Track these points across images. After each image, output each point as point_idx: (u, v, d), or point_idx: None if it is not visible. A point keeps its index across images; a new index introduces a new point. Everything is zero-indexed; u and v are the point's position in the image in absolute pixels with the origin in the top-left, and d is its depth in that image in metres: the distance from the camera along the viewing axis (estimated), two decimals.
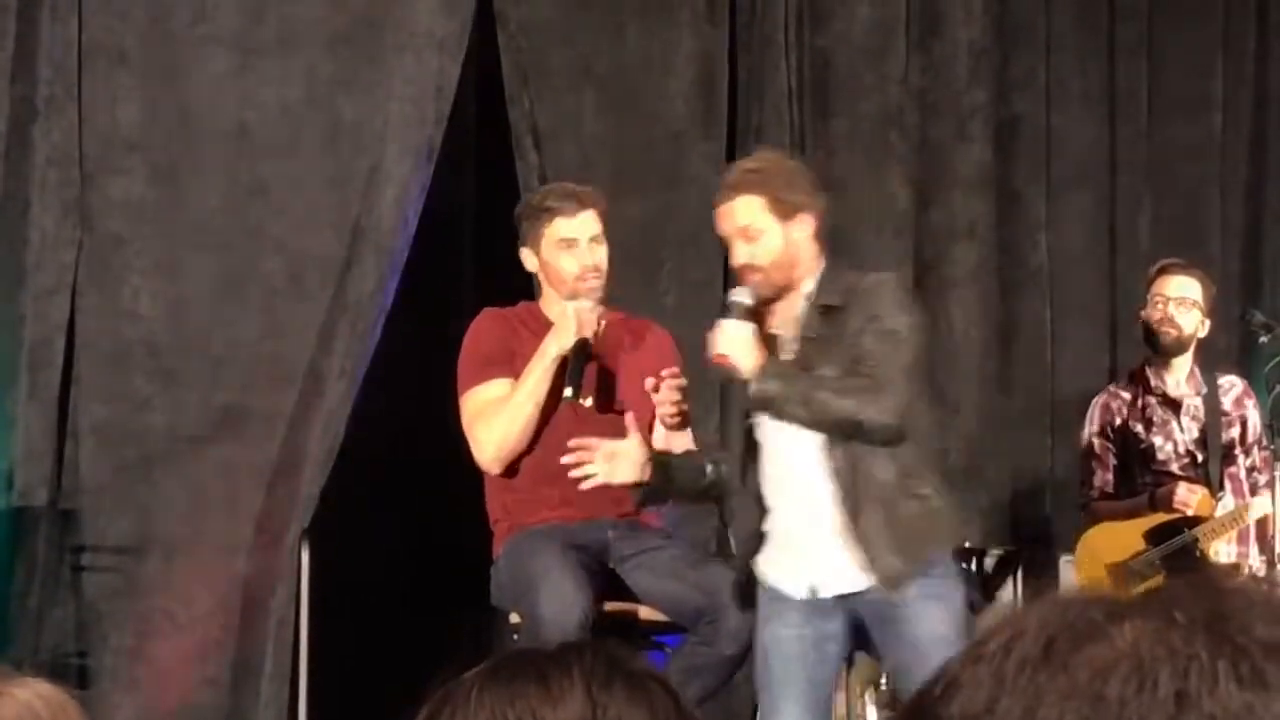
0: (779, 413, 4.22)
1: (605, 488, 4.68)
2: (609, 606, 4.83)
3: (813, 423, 4.14)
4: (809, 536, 4.30)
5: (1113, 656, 0.70)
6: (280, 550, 5.98)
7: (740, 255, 4.23)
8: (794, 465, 4.29)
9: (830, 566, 4.26)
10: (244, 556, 6.02)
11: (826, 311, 4.25)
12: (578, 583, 4.67)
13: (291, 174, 6.18)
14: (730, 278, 6.56)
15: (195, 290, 6.11)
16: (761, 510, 4.41)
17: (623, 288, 5.22)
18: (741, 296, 4.31)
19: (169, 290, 6.09)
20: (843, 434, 4.17)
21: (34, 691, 1.91)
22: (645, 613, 4.82)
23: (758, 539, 4.44)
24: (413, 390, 6.30)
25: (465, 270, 6.62)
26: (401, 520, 6.43)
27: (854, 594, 4.28)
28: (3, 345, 5.87)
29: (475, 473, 5.11)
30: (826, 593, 4.29)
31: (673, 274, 6.43)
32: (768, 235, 4.27)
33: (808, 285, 4.23)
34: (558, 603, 4.63)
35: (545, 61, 6.46)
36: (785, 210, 4.32)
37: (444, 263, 6.49)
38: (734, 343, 4.20)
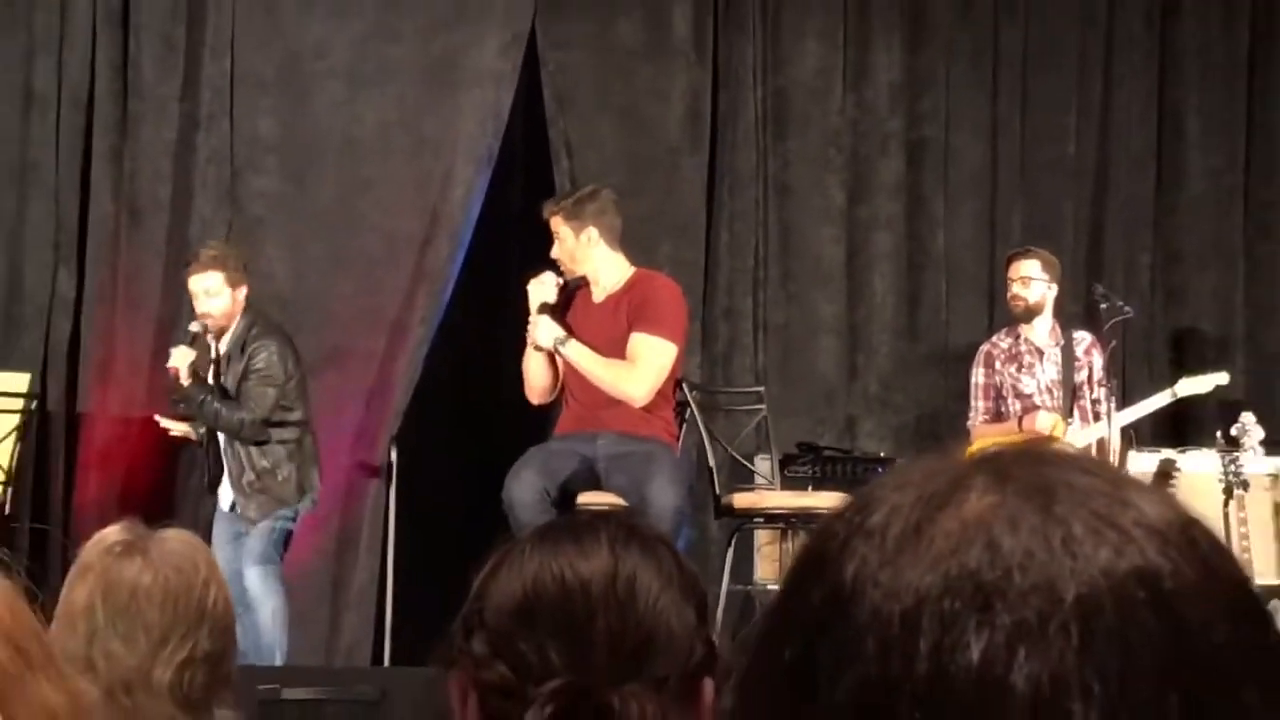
0: None
1: (610, 404, 4.98)
2: (586, 497, 4.95)
3: None
4: None
5: (961, 526, 0.65)
6: (375, 452, 6.40)
7: None
8: None
9: None
10: (347, 457, 6.39)
11: None
12: (538, 469, 4.82)
13: (386, 175, 6.57)
14: (712, 261, 6.75)
15: (314, 259, 6.54)
16: None
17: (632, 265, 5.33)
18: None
19: (294, 260, 6.54)
20: None
21: (177, 534, 2.05)
22: (617, 500, 4.93)
23: None
24: (475, 338, 6.69)
25: (514, 249, 6.69)
26: (470, 434, 6.69)
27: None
28: (176, 303, 6.33)
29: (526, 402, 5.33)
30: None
31: (668, 255, 6.65)
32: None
33: None
34: (519, 485, 4.79)
35: (576, 93, 6.76)
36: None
37: (499, 243, 6.77)
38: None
